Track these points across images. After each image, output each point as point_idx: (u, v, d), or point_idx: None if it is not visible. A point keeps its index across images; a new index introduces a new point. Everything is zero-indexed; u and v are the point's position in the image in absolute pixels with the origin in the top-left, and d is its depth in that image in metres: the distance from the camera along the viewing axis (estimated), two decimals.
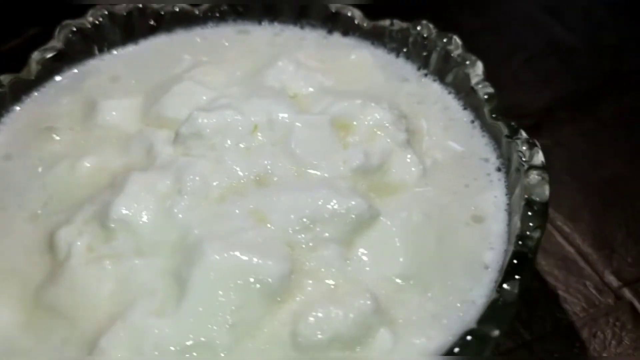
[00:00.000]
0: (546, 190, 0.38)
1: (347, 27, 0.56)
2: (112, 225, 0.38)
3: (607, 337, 0.51)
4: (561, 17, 0.85)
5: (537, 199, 0.38)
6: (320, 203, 0.39)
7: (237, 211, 0.40)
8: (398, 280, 0.38)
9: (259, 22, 0.57)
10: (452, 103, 0.50)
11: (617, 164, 0.66)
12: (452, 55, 0.50)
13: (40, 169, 0.45)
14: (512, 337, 0.51)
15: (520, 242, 0.36)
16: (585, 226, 0.59)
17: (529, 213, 0.37)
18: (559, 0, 0.87)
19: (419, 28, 0.52)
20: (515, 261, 0.35)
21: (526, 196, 0.38)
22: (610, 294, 0.54)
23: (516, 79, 0.76)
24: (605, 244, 0.58)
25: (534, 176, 0.39)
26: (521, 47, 0.80)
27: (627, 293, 0.54)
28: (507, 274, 0.35)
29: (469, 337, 0.31)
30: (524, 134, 0.43)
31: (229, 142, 0.44)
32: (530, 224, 0.37)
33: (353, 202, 0.40)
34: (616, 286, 0.54)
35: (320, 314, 0.34)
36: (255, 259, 0.36)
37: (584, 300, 0.54)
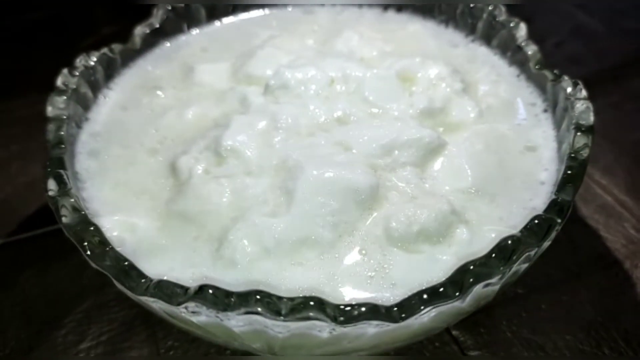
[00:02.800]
0: (591, 116, 0.45)
1: (400, 4, 0.64)
2: (224, 154, 0.46)
3: None
4: (584, 6, 0.93)
5: (584, 122, 0.44)
6: (395, 134, 0.46)
7: (323, 142, 0.47)
8: (469, 191, 0.44)
9: (323, 4, 0.66)
10: (499, 62, 0.57)
11: None
12: (497, 19, 0.57)
13: (152, 117, 0.52)
14: (562, 269, 0.57)
15: (572, 155, 0.42)
16: (620, 179, 0.66)
17: (578, 134, 0.44)
18: None
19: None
20: (568, 172, 0.42)
21: (574, 121, 0.45)
22: None
23: (547, 60, 0.84)
24: (638, 192, 0.64)
25: (580, 105, 0.45)
26: (550, 33, 0.88)
27: None
28: (560, 185, 0.41)
29: (536, 221, 0.38)
30: (566, 77, 0.50)
31: (311, 91, 0.51)
32: (579, 144, 0.43)
33: (425, 132, 0.47)
34: None
35: (409, 213, 0.41)
36: (346, 173, 0.43)
37: (623, 238, 0.60)
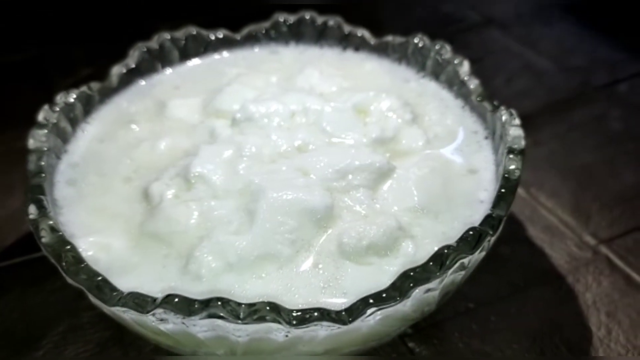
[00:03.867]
0: (522, 140, 0.50)
1: (358, 44, 0.70)
2: (192, 180, 0.50)
3: (588, 281, 0.62)
4: (535, 46, 1.01)
5: (516, 146, 0.50)
6: (349, 160, 0.51)
7: (284, 168, 0.51)
8: (415, 209, 0.49)
9: (287, 44, 0.72)
10: (447, 95, 0.63)
11: (588, 155, 0.79)
12: (444, 57, 0.63)
13: (127, 148, 0.57)
14: (509, 285, 0.61)
15: (506, 176, 0.48)
16: (565, 201, 0.71)
17: (511, 156, 0.49)
18: (532, 32, 1.04)
19: (415, 40, 0.66)
20: (503, 190, 0.47)
21: (508, 146, 0.50)
22: (589, 250, 0.65)
23: (498, 95, 0.91)
24: (582, 213, 0.70)
25: (513, 131, 0.51)
26: (500, 70, 0.95)
27: (603, 249, 0.65)
28: (496, 199, 0.46)
29: (471, 232, 0.42)
30: (503, 108, 0.55)
31: (274, 123, 0.56)
32: (511, 166, 0.49)
33: (376, 157, 0.52)
34: (593, 244, 0.66)
35: (359, 229, 0.46)
36: (304, 195, 0.47)
37: (566, 255, 0.65)
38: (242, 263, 0.44)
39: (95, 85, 0.61)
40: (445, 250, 0.41)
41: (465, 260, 0.41)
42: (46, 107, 0.55)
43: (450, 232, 0.48)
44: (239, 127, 0.57)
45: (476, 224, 0.48)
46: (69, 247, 0.42)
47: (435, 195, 0.51)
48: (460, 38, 1.05)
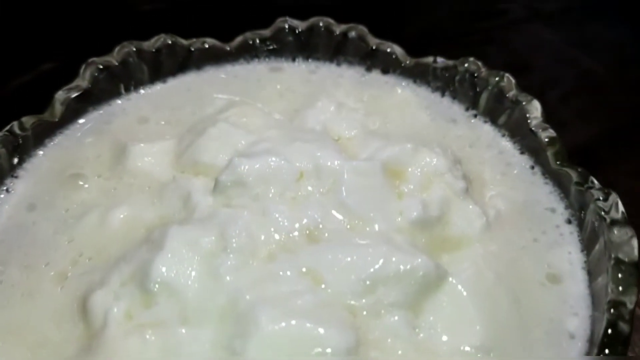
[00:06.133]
0: (635, 248, 0.35)
1: (386, 64, 0.53)
2: (153, 289, 0.34)
3: None
4: (588, 48, 0.83)
5: (626, 258, 0.34)
6: (380, 262, 0.36)
7: (288, 272, 0.36)
8: (477, 353, 0.34)
9: (293, 59, 0.54)
10: (507, 146, 0.47)
11: None
12: (505, 94, 0.47)
13: (67, 222, 0.41)
14: None
15: (612, 310, 0.32)
16: None
17: (619, 274, 0.33)
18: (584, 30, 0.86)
19: (466, 65, 0.49)
20: (609, 331, 0.31)
21: (614, 255, 0.34)
22: None
23: (553, 118, 0.75)
24: None
25: (618, 232, 0.35)
26: (551, 81, 0.78)
27: None
28: (600, 349, 0.31)
29: None
30: (596, 183, 0.39)
31: (273, 191, 0.40)
32: (620, 288, 0.33)
33: (419, 260, 0.36)
34: None
35: None
36: (317, 329, 0.32)
37: None
38: None
39: (28, 121, 0.44)
40: None
41: None
42: None
43: None
44: (224, 195, 0.40)
45: None
46: None
47: (506, 322, 0.35)
48: (498, 36, 0.87)
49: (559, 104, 0.74)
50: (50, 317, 0.35)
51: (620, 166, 0.66)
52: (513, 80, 0.47)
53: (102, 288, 0.35)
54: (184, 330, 0.33)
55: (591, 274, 0.37)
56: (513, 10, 0.90)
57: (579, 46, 0.84)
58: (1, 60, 0.78)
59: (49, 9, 0.85)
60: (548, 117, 0.79)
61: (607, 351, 0.31)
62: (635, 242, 0.35)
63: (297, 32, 0.53)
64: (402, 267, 0.35)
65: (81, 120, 0.48)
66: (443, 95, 0.51)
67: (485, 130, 0.48)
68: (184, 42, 0.52)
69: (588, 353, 0.33)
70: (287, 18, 0.53)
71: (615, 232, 0.35)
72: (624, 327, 0.32)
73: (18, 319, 0.35)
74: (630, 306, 0.32)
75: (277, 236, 0.38)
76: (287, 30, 0.53)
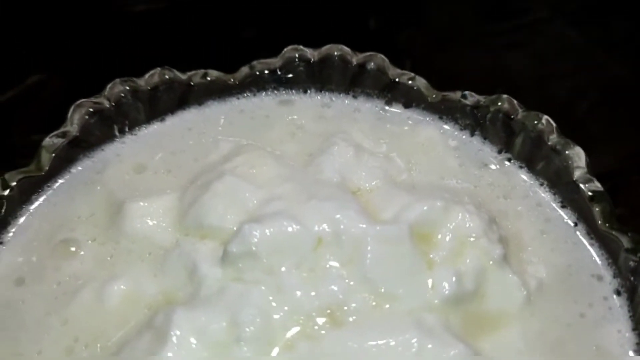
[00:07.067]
0: None
1: (408, 98, 0.48)
2: None
3: None
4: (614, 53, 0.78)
5: None
6: (413, 351, 0.32)
7: None
8: None
9: (305, 91, 0.49)
10: (546, 197, 0.42)
11: None
12: (544, 140, 0.42)
13: (59, 298, 0.36)
14: None
15: None
16: None
17: None
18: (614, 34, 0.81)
19: (499, 104, 0.44)
20: None
21: None
22: None
23: (579, 134, 0.70)
24: None
25: None
26: (577, 90, 0.73)
27: None
28: None
29: None
30: None
31: (288, 262, 0.36)
32: None
33: (455, 351, 0.32)
34: None
35: None
36: None
37: None
38: None
39: (12, 177, 0.39)
40: None
41: None
42: None
43: None
44: (234, 267, 0.36)
45: None
46: None
47: None
48: (521, 37, 0.81)
49: (586, 115, 0.69)
50: None
51: None
52: (554, 124, 0.42)
53: None
54: None
55: None
56: (534, 9, 0.85)
57: (606, 49, 0.79)
58: None
59: (30, 14, 0.79)
60: (576, 133, 0.73)
61: None
62: None
63: (309, 61, 0.48)
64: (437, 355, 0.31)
65: (72, 171, 0.43)
66: (472, 134, 0.46)
67: (521, 179, 0.43)
68: (183, 76, 0.46)
69: None
70: (298, 46, 0.48)
71: None
72: None
73: None
74: None
75: (294, 317, 0.34)
76: (297, 60, 0.48)
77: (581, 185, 0.40)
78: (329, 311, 0.34)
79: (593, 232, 0.39)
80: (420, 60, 0.69)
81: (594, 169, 0.62)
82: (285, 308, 0.34)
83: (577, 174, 0.40)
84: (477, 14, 0.83)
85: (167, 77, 0.46)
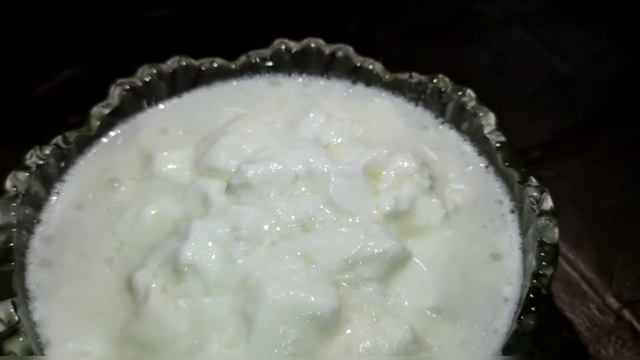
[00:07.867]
0: (556, 233, 0.44)
1: (369, 79, 0.62)
2: (183, 269, 0.44)
3: (610, 353, 0.57)
4: (559, 49, 0.92)
5: (548, 241, 0.44)
6: (359, 247, 0.45)
7: (287, 256, 0.45)
8: (431, 313, 0.44)
9: (289, 74, 0.64)
10: (468, 149, 0.56)
11: (617, 193, 0.72)
12: (466, 107, 0.56)
13: (109, 218, 0.50)
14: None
15: (535, 280, 0.42)
16: (588, 253, 0.65)
17: (542, 253, 0.43)
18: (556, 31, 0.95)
19: (435, 81, 0.58)
20: (531, 296, 0.41)
21: (538, 238, 0.44)
22: (611, 315, 0.60)
23: (521, 112, 0.83)
24: (606, 269, 0.64)
25: (544, 220, 0.45)
26: (523, 79, 0.87)
27: (626, 314, 0.60)
28: (524, 307, 0.41)
29: None
30: (534, 181, 0.49)
31: (274, 191, 0.50)
32: (543, 263, 0.43)
33: (388, 245, 0.46)
34: (616, 308, 0.61)
35: (368, 344, 0.40)
36: (307, 297, 0.42)
37: (588, 321, 0.60)
38: None
39: (71, 135, 0.54)
40: None
41: None
42: (13, 174, 0.48)
43: (470, 340, 0.43)
44: (235, 195, 0.50)
45: (500, 330, 0.43)
46: None
47: (455, 292, 0.45)
48: (479, 35, 0.96)
49: (528, 100, 0.83)
50: (102, 292, 0.45)
51: (577, 158, 0.76)
52: (473, 95, 0.56)
53: (142, 269, 0.45)
54: (207, 300, 0.43)
55: (525, 252, 0.47)
56: (491, 12, 0.99)
57: (551, 46, 0.93)
58: (25, 69, 0.88)
59: (62, 19, 0.94)
60: (518, 113, 0.88)
61: (533, 309, 0.41)
62: (556, 229, 0.45)
63: (292, 51, 0.62)
64: (376, 250, 0.45)
65: (113, 133, 0.57)
66: (416, 105, 0.60)
67: (451, 136, 0.57)
68: (195, 62, 0.61)
69: (516, 312, 0.42)
70: (284, 40, 0.62)
71: (542, 220, 0.45)
72: (543, 291, 0.41)
73: (77, 293, 0.45)
74: (548, 276, 0.42)
75: (277, 227, 0.47)
76: (284, 51, 0.62)
77: (490, 138, 0.53)
78: (302, 223, 0.48)
79: (498, 171, 0.53)
80: (393, 55, 0.83)
81: (533, 141, 0.77)
82: (272, 221, 0.48)
83: (487, 130, 0.54)
84: (441, 16, 0.98)
85: (183, 63, 0.61)
